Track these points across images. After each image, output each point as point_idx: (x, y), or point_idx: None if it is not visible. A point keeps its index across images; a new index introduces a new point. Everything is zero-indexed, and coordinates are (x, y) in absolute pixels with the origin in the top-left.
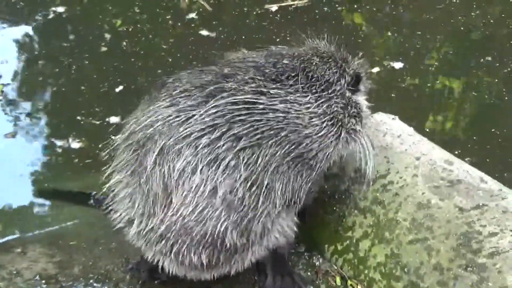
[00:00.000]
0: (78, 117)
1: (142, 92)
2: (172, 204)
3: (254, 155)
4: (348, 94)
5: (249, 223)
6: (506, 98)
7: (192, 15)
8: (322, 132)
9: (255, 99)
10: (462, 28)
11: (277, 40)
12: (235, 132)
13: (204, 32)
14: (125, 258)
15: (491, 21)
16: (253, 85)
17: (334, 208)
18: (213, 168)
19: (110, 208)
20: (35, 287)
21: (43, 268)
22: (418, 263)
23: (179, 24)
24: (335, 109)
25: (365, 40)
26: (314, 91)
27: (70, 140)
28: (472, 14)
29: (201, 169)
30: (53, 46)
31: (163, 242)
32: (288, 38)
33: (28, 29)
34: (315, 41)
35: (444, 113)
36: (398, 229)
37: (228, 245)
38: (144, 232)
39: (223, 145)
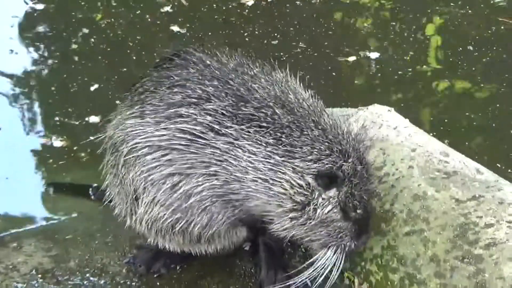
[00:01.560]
0: (56, 118)
1: (117, 90)
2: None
3: (181, 183)
4: (310, 179)
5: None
6: (482, 85)
7: (167, 8)
8: (253, 187)
9: (202, 133)
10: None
11: (245, 34)
12: (170, 158)
13: (175, 28)
14: (122, 251)
15: (470, 11)
16: (209, 118)
17: None
18: (155, 185)
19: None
20: (31, 281)
21: (39, 262)
22: (414, 254)
23: (149, 19)
24: (279, 179)
25: (337, 31)
26: (269, 149)
27: (53, 138)
28: (452, 4)
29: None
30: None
31: (151, 230)
32: (256, 32)
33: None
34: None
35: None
36: (394, 221)
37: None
38: (135, 224)
39: (159, 166)
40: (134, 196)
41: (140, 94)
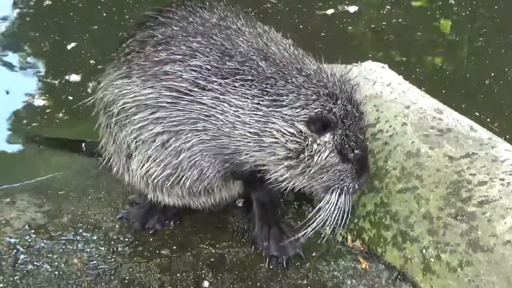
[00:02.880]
0: (35, 76)
1: (89, 50)
2: (134, 160)
3: (170, 140)
4: (301, 126)
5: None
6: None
7: None
8: (243, 140)
9: (188, 90)
10: None
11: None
12: (158, 116)
13: None
14: (115, 207)
15: None
16: (194, 74)
17: None
18: (146, 143)
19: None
20: (24, 236)
21: (32, 218)
22: (407, 212)
23: None
24: (269, 129)
25: None
26: (255, 101)
27: (36, 97)
28: None
29: (142, 141)
30: None
31: (148, 186)
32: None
33: None
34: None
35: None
36: (388, 178)
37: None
38: (132, 181)
39: (148, 125)
40: (127, 154)
41: (126, 55)
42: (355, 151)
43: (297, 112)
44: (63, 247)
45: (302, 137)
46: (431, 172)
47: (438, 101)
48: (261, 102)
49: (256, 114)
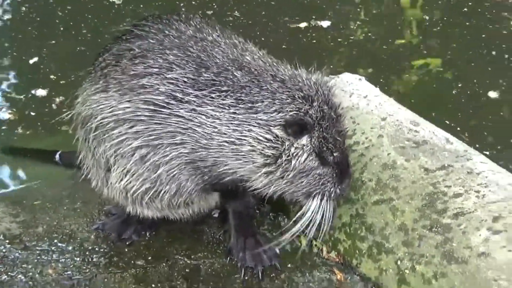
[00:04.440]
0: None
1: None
2: (113, 174)
3: (149, 155)
4: (277, 131)
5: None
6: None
7: None
8: (221, 152)
9: (165, 103)
10: None
11: (181, 5)
12: (136, 130)
13: None
14: (90, 218)
15: None
16: (171, 87)
17: None
18: (124, 158)
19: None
20: None
21: (7, 228)
22: (383, 223)
23: None
24: (246, 137)
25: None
26: (232, 110)
27: (3, 110)
28: None
29: (121, 155)
30: None
31: (127, 200)
32: (193, 3)
33: None
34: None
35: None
36: (364, 189)
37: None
38: (111, 195)
39: (127, 139)
40: (106, 168)
41: (102, 69)
42: (334, 154)
43: (272, 117)
44: (38, 257)
45: (279, 142)
46: (406, 184)
47: (414, 114)
48: (236, 111)
49: (232, 124)
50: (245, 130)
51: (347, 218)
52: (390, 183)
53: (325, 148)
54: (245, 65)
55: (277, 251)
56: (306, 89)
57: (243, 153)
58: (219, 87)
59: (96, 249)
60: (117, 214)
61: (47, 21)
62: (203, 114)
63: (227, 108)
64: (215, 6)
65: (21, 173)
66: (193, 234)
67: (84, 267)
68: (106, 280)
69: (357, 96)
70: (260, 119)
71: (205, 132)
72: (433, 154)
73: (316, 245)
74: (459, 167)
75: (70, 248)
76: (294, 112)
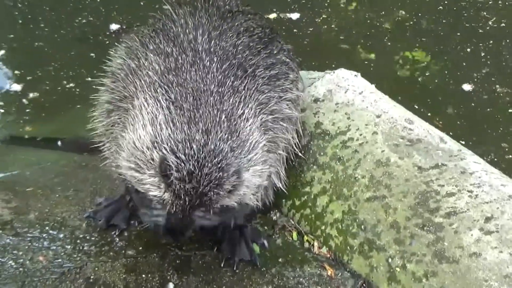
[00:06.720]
0: None
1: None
2: None
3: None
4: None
5: None
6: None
7: None
8: None
9: None
10: None
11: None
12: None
13: None
14: (82, 206)
15: None
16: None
17: (293, 162)
18: None
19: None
20: None
21: None
22: (375, 220)
23: None
24: None
25: None
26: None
27: None
28: None
29: None
30: None
31: None
32: None
33: None
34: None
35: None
36: (356, 186)
37: None
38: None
39: None
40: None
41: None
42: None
43: None
44: (29, 244)
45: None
46: (399, 181)
47: (409, 112)
48: None
49: None
50: None
51: (339, 214)
52: (383, 180)
53: None
54: None
55: (265, 244)
56: None
57: None
58: None
59: (87, 237)
60: (107, 202)
61: (6, 15)
62: None
63: None
64: None
65: (13, 160)
66: None
67: (75, 255)
68: (96, 269)
69: (352, 92)
70: None
71: None
72: (427, 153)
73: (307, 240)
74: (452, 166)
75: (61, 235)
76: None
